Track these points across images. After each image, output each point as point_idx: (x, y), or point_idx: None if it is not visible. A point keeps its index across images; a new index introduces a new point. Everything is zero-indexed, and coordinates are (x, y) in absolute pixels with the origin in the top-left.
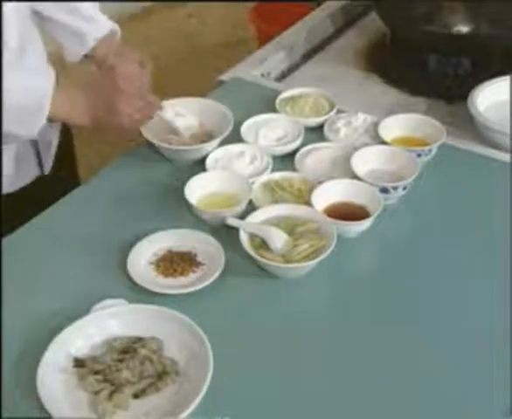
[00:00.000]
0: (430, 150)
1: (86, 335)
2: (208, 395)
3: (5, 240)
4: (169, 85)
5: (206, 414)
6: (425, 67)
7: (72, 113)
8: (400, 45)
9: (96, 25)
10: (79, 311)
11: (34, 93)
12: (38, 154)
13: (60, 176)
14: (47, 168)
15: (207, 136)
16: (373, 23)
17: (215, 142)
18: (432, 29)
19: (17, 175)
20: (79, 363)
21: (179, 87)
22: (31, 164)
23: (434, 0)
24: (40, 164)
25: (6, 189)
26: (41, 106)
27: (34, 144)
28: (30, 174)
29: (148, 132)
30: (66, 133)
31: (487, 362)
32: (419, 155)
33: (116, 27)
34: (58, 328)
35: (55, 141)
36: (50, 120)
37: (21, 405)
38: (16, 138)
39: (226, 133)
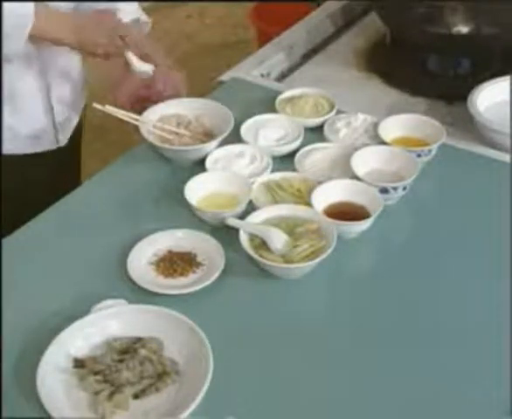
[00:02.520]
0: (430, 150)
1: (86, 335)
2: (208, 396)
3: (5, 240)
4: None
5: (206, 414)
6: (425, 67)
7: (59, 32)
8: (400, 45)
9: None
10: (79, 311)
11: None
12: (55, 126)
13: (63, 182)
14: (63, 142)
15: (207, 136)
16: (373, 23)
17: (215, 142)
18: (432, 29)
19: (32, 141)
20: (79, 363)
21: None
22: (49, 134)
23: (434, 0)
24: (56, 136)
25: (22, 150)
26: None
27: (51, 115)
28: (46, 142)
29: (149, 133)
30: (76, 142)
31: (487, 362)
32: (419, 156)
33: (144, 18)
34: (59, 328)
35: (75, 119)
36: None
37: (21, 405)
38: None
39: (226, 134)
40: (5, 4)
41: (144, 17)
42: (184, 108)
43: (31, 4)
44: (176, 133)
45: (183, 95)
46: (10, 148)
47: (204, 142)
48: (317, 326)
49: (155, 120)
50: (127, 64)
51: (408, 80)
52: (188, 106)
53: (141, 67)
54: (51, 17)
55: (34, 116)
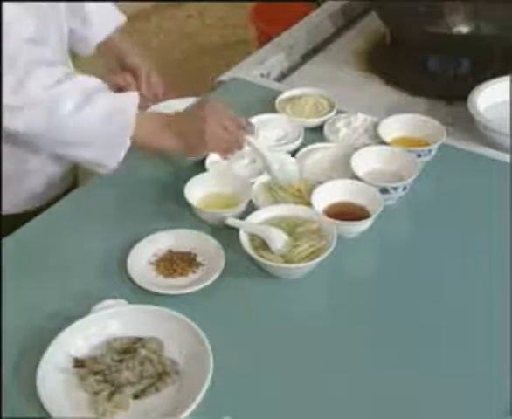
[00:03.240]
0: (430, 150)
1: (86, 335)
2: (208, 396)
3: (5, 240)
4: (169, 85)
5: (206, 414)
6: (425, 67)
7: (160, 137)
8: (400, 46)
9: (96, 29)
10: (80, 311)
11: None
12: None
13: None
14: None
15: None
16: (373, 23)
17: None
18: (433, 29)
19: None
20: (79, 363)
21: (179, 88)
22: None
23: (434, 0)
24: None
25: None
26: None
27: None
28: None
29: None
30: None
31: (487, 362)
32: (419, 156)
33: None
34: (59, 328)
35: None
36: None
37: (21, 405)
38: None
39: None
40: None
41: (120, 18)
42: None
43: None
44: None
45: (169, 97)
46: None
47: None
48: (317, 326)
49: None
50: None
51: (408, 80)
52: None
53: None
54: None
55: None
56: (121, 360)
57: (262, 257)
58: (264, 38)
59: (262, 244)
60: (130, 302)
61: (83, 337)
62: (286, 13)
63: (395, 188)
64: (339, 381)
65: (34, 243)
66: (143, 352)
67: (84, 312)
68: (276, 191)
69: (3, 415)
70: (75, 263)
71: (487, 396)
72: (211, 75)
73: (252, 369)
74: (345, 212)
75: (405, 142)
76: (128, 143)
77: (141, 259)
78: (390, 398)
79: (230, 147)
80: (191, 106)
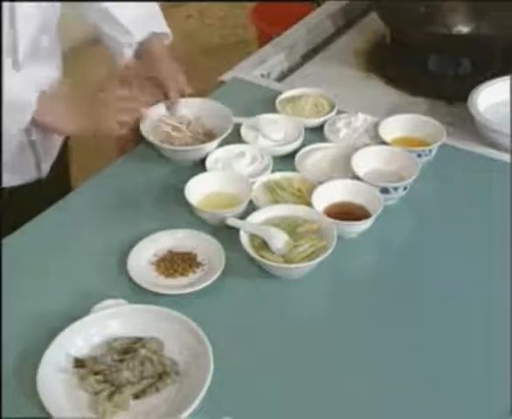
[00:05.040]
0: (430, 150)
1: (86, 335)
2: (208, 396)
3: (5, 240)
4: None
5: (206, 414)
6: (425, 67)
7: (55, 121)
8: (400, 46)
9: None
10: (80, 311)
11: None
12: (37, 156)
13: (51, 178)
14: (45, 172)
15: (207, 136)
16: (373, 23)
17: (215, 142)
18: (433, 29)
19: (13, 172)
20: (79, 363)
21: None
22: (30, 165)
23: (434, 0)
24: (38, 166)
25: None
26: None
27: (33, 146)
28: (27, 175)
29: (149, 133)
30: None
31: (488, 362)
32: (420, 156)
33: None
34: (59, 328)
35: (56, 147)
36: (37, 125)
37: (21, 405)
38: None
39: (226, 133)
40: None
41: (162, 28)
42: (184, 108)
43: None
44: (178, 130)
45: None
46: None
47: (203, 142)
48: (317, 326)
49: (155, 121)
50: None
51: (408, 80)
52: (188, 107)
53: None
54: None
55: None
56: (121, 360)
57: (262, 257)
58: (264, 38)
59: (262, 244)
60: (130, 302)
61: (83, 337)
62: (286, 13)
63: (395, 189)
64: (339, 381)
65: (34, 242)
66: (143, 352)
67: (84, 311)
68: (276, 191)
69: (4, 415)
70: (75, 263)
71: (488, 396)
72: (211, 75)
73: (252, 369)
74: (345, 212)
75: (406, 142)
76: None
77: (142, 259)
78: (390, 397)
79: (131, 116)
80: (85, 88)
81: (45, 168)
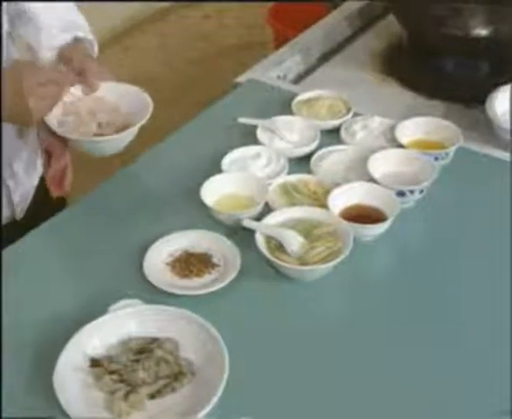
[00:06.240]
0: (447, 153)
1: (102, 335)
2: (223, 397)
3: (22, 241)
4: (185, 86)
5: (222, 415)
6: (442, 70)
7: None
8: (418, 48)
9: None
10: (96, 311)
11: None
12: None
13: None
14: (19, 215)
15: (123, 126)
16: (390, 25)
17: (133, 130)
18: (451, 31)
19: None
20: (95, 363)
21: (194, 88)
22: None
23: (453, 2)
24: (12, 208)
25: None
26: None
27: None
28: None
29: (60, 124)
30: None
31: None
32: (436, 159)
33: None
34: (75, 328)
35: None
36: None
37: (38, 404)
38: None
39: (144, 121)
40: None
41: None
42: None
43: None
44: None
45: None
46: None
47: (119, 132)
48: (333, 329)
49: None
50: None
51: (425, 83)
52: (105, 91)
53: None
54: None
55: None
56: (136, 360)
57: (278, 258)
58: (280, 40)
59: (278, 246)
60: (146, 302)
61: (99, 337)
62: (302, 14)
63: (412, 192)
64: (353, 384)
65: (51, 242)
66: (159, 352)
67: (100, 311)
68: (292, 193)
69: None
70: (92, 263)
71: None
72: (227, 76)
73: (267, 370)
74: (361, 215)
75: (422, 145)
76: None
77: (157, 260)
78: (406, 399)
79: (52, 101)
80: (2, 76)
81: (20, 212)
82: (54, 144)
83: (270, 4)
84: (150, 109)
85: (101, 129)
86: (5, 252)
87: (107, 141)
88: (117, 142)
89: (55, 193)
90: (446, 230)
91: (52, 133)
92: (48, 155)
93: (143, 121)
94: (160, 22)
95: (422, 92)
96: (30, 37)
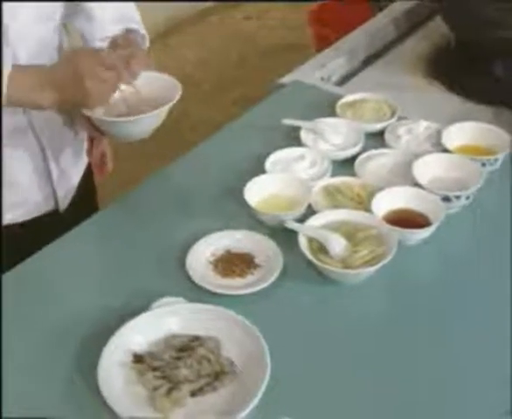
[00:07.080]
0: (495, 160)
1: (145, 332)
2: (265, 397)
3: (65, 237)
4: (224, 86)
5: (263, 416)
6: (491, 74)
7: (32, 95)
8: (465, 51)
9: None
10: (139, 307)
11: None
12: (54, 192)
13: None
14: (62, 207)
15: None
16: (437, 28)
17: (159, 111)
18: (501, 34)
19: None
20: (137, 359)
21: (238, 89)
22: (46, 197)
23: (503, 3)
24: (56, 200)
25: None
26: None
27: (50, 178)
28: (44, 207)
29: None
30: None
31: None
32: (484, 165)
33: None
34: (119, 324)
35: (75, 181)
36: (13, 103)
37: (83, 398)
38: None
39: (171, 104)
40: None
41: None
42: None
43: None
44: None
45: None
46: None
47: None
48: (375, 332)
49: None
50: None
51: (473, 87)
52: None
53: None
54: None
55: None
56: (178, 358)
57: (320, 260)
58: (321, 41)
59: (321, 248)
60: (188, 300)
61: (142, 333)
62: (345, 16)
63: (457, 197)
64: (396, 387)
65: (96, 238)
66: (201, 351)
67: (143, 308)
68: (336, 195)
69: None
70: (135, 260)
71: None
72: (270, 77)
73: (309, 371)
74: (405, 219)
75: (469, 151)
76: None
77: (200, 259)
78: (449, 402)
79: (112, 85)
80: (62, 60)
81: (62, 204)
82: (91, 130)
83: (312, 6)
84: (179, 92)
85: (130, 111)
86: (49, 247)
87: (132, 122)
88: (144, 124)
89: (97, 177)
90: (492, 237)
91: (88, 119)
92: (91, 142)
93: (171, 104)
94: (200, 23)
95: (470, 96)
96: (83, 27)
